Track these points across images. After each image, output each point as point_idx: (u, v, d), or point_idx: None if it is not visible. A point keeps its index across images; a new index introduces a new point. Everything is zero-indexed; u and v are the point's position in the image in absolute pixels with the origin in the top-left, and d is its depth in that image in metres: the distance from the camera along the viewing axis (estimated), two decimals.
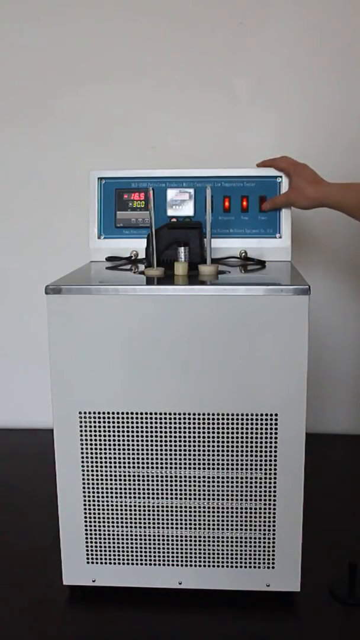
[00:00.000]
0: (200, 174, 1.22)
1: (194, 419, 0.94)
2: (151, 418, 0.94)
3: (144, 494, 0.97)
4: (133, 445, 0.96)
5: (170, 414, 0.94)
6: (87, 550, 0.99)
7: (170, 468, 0.96)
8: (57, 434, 0.96)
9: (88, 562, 1.00)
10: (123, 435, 0.95)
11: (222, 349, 0.92)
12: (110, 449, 0.96)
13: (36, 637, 0.94)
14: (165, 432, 0.95)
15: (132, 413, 0.95)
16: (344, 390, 1.66)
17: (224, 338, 0.92)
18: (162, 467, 0.96)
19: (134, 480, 0.97)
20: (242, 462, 0.95)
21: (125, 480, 0.97)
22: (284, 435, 0.93)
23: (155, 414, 0.94)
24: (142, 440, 0.95)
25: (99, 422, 0.95)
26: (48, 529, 1.09)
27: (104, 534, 0.99)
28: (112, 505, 0.98)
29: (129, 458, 0.96)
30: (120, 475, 0.97)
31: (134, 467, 0.96)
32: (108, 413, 0.95)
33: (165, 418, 0.94)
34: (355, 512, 1.26)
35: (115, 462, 0.96)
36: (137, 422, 0.95)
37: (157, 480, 0.96)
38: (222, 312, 0.91)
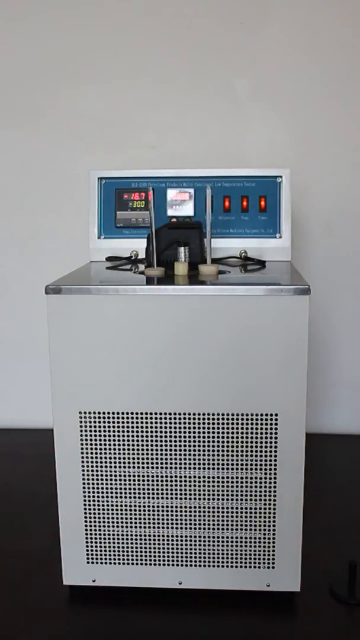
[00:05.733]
0: (200, 174, 1.22)
1: (194, 419, 0.94)
2: (151, 418, 0.94)
3: (144, 494, 0.97)
4: (133, 445, 0.96)
5: (170, 413, 0.94)
6: (87, 550, 0.99)
7: (171, 468, 0.96)
8: (57, 434, 0.96)
9: (88, 562, 1.00)
10: (123, 435, 0.95)
11: (222, 349, 0.92)
12: (110, 449, 0.96)
13: (36, 637, 0.94)
14: (165, 432, 0.95)
15: (132, 413, 0.95)
16: (344, 390, 1.66)
17: (224, 338, 0.92)
18: (162, 467, 0.96)
19: (134, 480, 0.97)
20: (242, 462, 0.95)
21: (125, 480, 0.97)
22: (284, 435, 0.93)
23: (155, 413, 0.94)
24: (142, 440, 0.95)
25: (99, 422, 0.95)
26: (48, 529, 1.09)
27: (104, 534, 0.99)
28: (112, 505, 0.98)
29: (129, 458, 0.96)
30: (120, 475, 0.97)
31: (134, 467, 0.96)
32: (108, 413, 0.95)
33: (165, 418, 0.94)
34: (356, 512, 1.26)
35: (115, 462, 0.96)
36: (137, 422, 0.95)
37: (157, 480, 0.96)
38: (222, 312, 0.91)
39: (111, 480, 0.97)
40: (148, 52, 1.53)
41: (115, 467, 0.97)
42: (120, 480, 0.97)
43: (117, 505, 0.98)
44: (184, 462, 0.95)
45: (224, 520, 0.97)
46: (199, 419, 0.94)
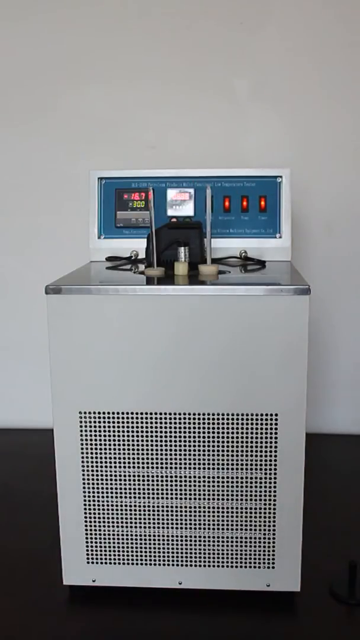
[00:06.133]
0: (200, 174, 1.22)
1: (194, 419, 0.94)
2: (151, 418, 0.94)
3: (144, 494, 0.97)
4: (133, 445, 0.96)
5: (170, 414, 0.94)
6: (87, 550, 0.99)
7: (171, 468, 0.96)
8: (57, 434, 0.96)
9: (88, 562, 1.00)
10: (123, 435, 0.95)
11: (222, 349, 0.92)
12: (110, 449, 0.96)
13: (36, 637, 0.94)
14: (166, 432, 0.95)
15: (132, 413, 0.95)
16: (344, 390, 1.66)
17: (224, 338, 0.92)
18: (162, 467, 0.96)
19: (134, 480, 0.97)
20: (242, 462, 0.95)
21: (125, 480, 0.97)
22: (284, 435, 0.93)
23: (155, 414, 0.94)
24: (142, 440, 0.95)
25: (99, 422, 0.95)
26: (48, 529, 1.09)
27: (104, 534, 0.99)
28: (112, 505, 0.98)
29: (129, 458, 0.96)
30: (120, 475, 0.97)
31: (134, 467, 0.96)
32: (108, 413, 0.95)
33: (165, 418, 0.94)
34: (355, 512, 1.26)
35: (115, 462, 0.96)
36: (136, 422, 0.95)
37: (158, 480, 0.96)
38: (222, 312, 0.91)
39: (111, 480, 0.97)
40: (148, 52, 1.53)
41: (115, 467, 0.97)
42: (120, 480, 0.97)
43: (117, 505, 0.98)
44: (184, 462, 0.95)
45: (224, 520, 0.97)
46: (199, 419, 0.94)
